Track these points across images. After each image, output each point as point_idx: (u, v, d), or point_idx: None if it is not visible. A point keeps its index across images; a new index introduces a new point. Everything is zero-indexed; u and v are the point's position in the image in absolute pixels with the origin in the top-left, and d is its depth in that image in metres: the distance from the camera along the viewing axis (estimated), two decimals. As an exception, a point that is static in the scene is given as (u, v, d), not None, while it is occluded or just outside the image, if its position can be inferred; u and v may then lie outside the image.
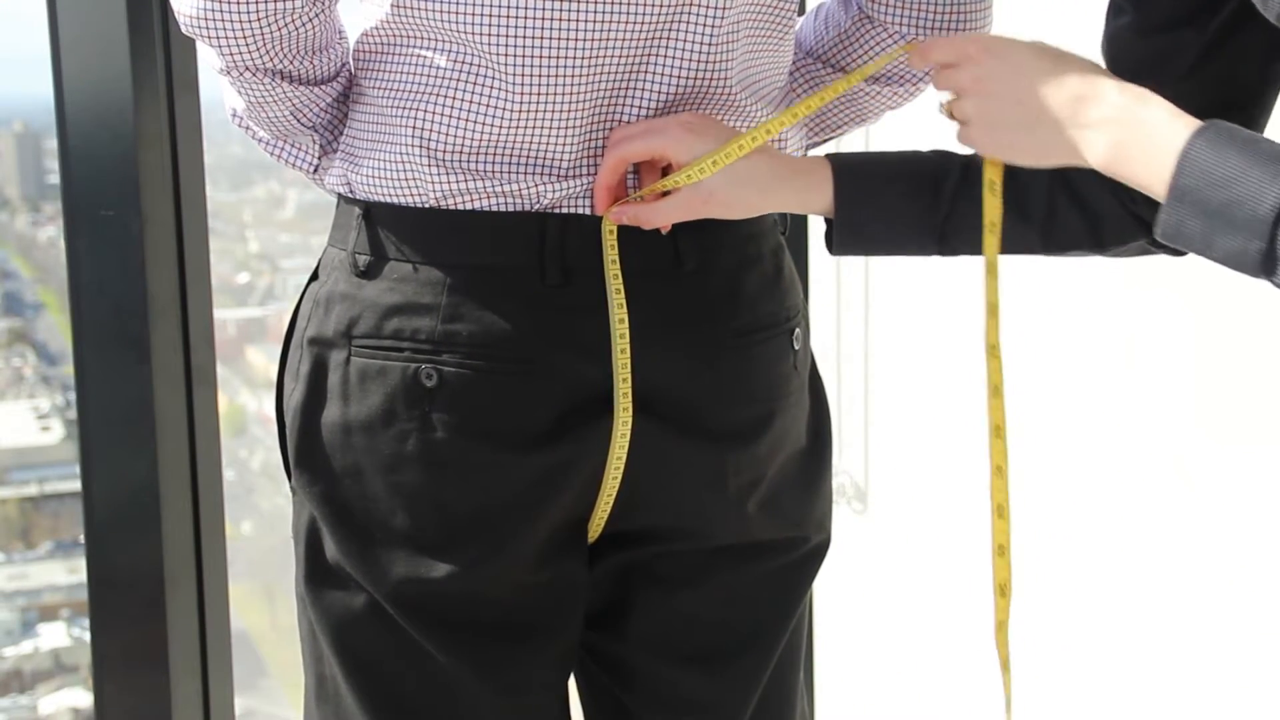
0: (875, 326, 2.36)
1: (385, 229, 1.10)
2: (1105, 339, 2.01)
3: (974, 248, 1.15)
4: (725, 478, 1.15)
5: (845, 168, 1.15)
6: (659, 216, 1.10)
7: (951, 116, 1.06)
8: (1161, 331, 1.93)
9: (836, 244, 1.17)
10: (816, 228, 2.34)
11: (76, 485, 1.62)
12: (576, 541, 1.16)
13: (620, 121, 1.11)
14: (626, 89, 1.10)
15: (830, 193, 1.14)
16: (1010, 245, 1.16)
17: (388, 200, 1.10)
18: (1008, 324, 2.11)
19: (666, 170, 1.12)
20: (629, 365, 1.09)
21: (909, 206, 1.15)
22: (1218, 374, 1.87)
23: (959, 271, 2.21)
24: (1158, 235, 0.96)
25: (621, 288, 1.08)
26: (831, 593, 2.39)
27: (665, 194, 1.11)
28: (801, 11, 1.28)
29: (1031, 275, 2.07)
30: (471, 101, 1.07)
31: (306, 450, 1.12)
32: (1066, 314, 2.05)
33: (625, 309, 1.08)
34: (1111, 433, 2.00)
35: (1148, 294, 1.91)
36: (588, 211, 1.10)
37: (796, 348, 1.19)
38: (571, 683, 1.26)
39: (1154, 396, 1.94)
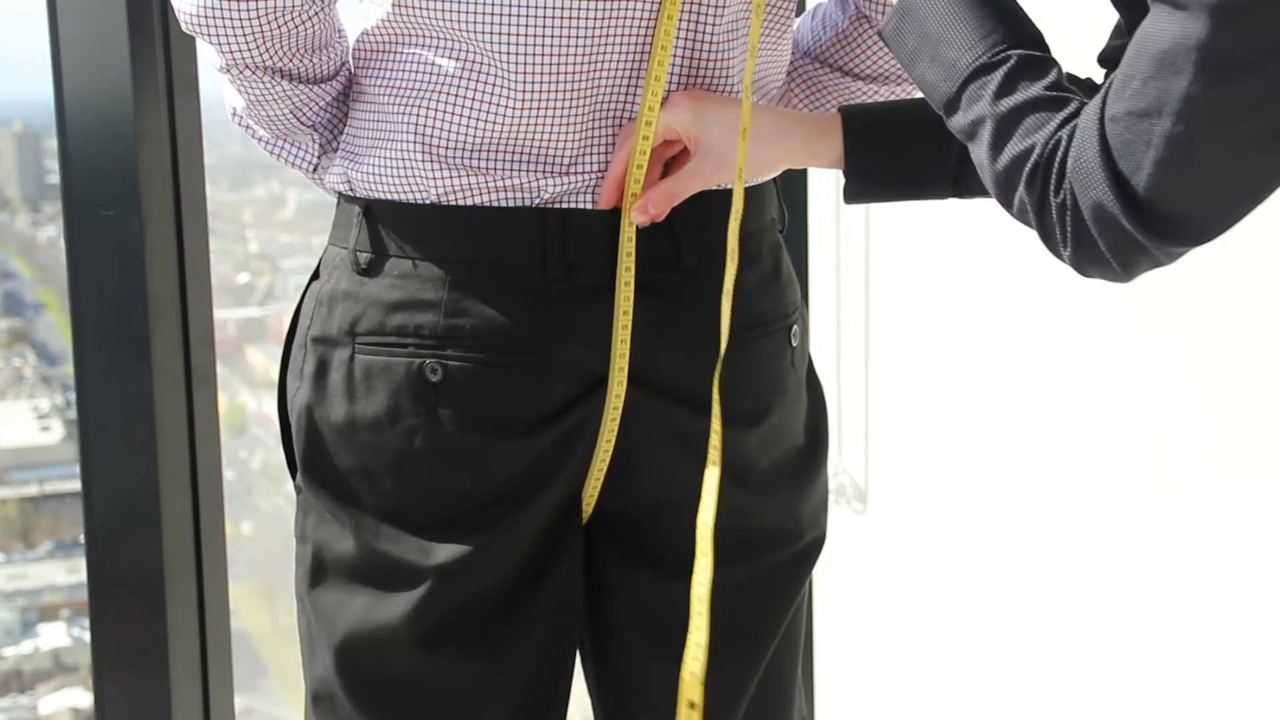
0: (875, 326, 2.36)
1: (386, 226, 1.10)
2: (1101, 347, 2.01)
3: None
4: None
5: (854, 114, 1.16)
6: (682, 189, 1.10)
7: None
8: (1157, 342, 1.93)
9: (850, 191, 1.16)
10: (816, 227, 2.34)
11: (76, 485, 1.62)
12: (573, 522, 1.16)
13: (622, 117, 1.11)
14: (628, 85, 1.10)
15: (840, 140, 1.14)
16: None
17: (388, 197, 1.10)
18: (1005, 331, 2.09)
19: (669, 166, 1.12)
20: (628, 344, 1.09)
21: (920, 148, 1.14)
22: (1215, 389, 1.87)
23: (959, 271, 2.22)
24: (878, 29, 1.05)
25: (633, 265, 1.09)
26: (831, 593, 2.39)
27: (664, 175, 1.12)
28: (799, 12, 1.28)
29: (1011, 278, 2.07)
30: (472, 98, 1.07)
31: (313, 450, 1.12)
32: (1064, 322, 2.05)
33: (632, 287, 1.09)
34: (1102, 444, 2.00)
35: (1134, 299, 1.91)
36: (588, 206, 1.10)
37: (794, 344, 1.19)
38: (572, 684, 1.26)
39: (1147, 409, 1.94)
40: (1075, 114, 0.94)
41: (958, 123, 0.99)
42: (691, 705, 1.02)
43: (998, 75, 0.96)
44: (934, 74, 1.00)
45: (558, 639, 1.17)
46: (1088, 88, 1.11)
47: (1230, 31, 0.84)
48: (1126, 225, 0.91)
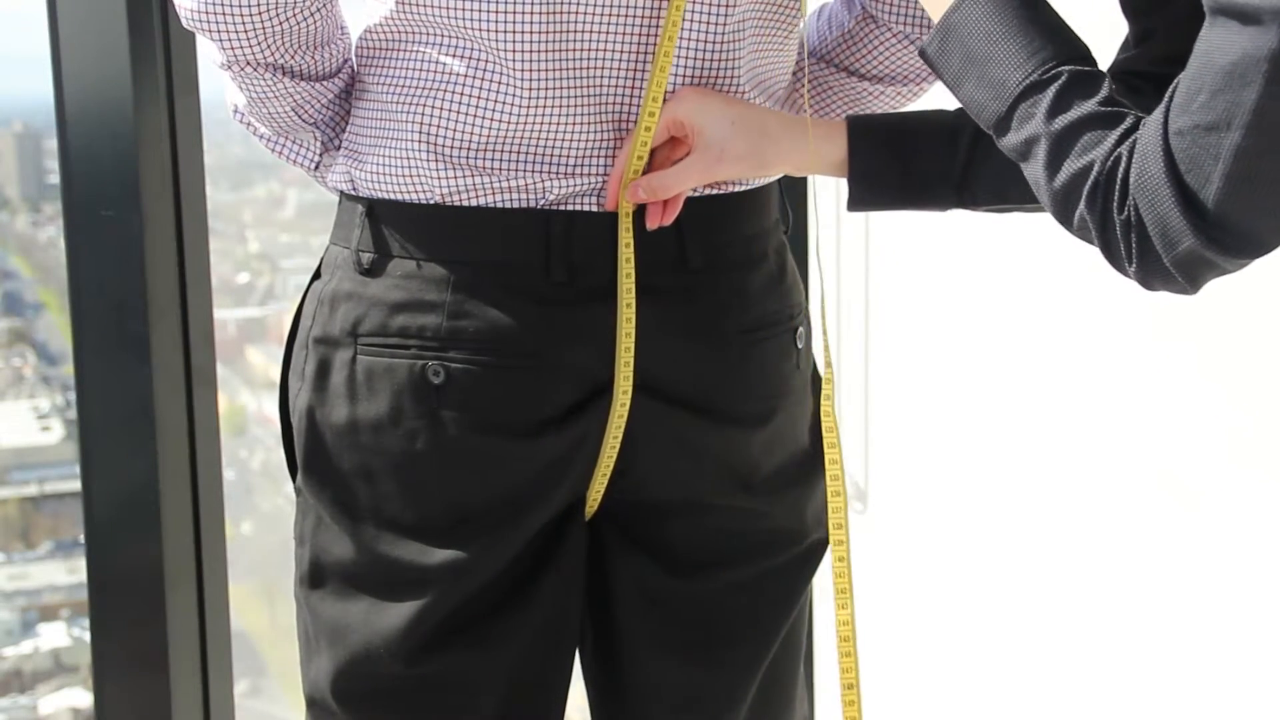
0: (875, 326, 2.36)
1: (389, 226, 1.10)
2: (1101, 347, 2.00)
3: (996, 198, 1.14)
4: (721, 459, 1.15)
5: (860, 119, 1.15)
6: (676, 181, 1.10)
7: None
8: (1159, 342, 1.93)
9: (853, 197, 1.16)
10: (817, 228, 2.33)
11: (76, 485, 1.62)
12: (576, 519, 1.15)
13: (627, 120, 1.11)
14: (633, 85, 1.10)
15: (844, 144, 1.14)
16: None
17: (392, 197, 1.10)
18: (1005, 332, 2.09)
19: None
20: (632, 348, 1.09)
21: (925, 155, 1.14)
22: (1215, 390, 1.87)
23: (959, 271, 2.21)
24: (918, 49, 1.03)
25: (633, 263, 1.08)
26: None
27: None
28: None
29: (1011, 277, 2.07)
30: (477, 97, 1.07)
31: (314, 451, 1.12)
32: (1064, 322, 2.05)
33: (634, 290, 1.08)
34: (1102, 444, 2.00)
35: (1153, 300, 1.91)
36: (594, 208, 1.10)
37: (799, 346, 1.19)
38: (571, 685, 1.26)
39: (1147, 409, 1.94)
40: (1132, 129, 0.92)
41: (1009, 142, 0.97)
42: (850, 687, 1.04)
43: (1050, 93, 0.94)
44: (982, 94, 0.98)
45: (555, 623, 1.16)
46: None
47: None
48: (1194, 240, 0.89)
